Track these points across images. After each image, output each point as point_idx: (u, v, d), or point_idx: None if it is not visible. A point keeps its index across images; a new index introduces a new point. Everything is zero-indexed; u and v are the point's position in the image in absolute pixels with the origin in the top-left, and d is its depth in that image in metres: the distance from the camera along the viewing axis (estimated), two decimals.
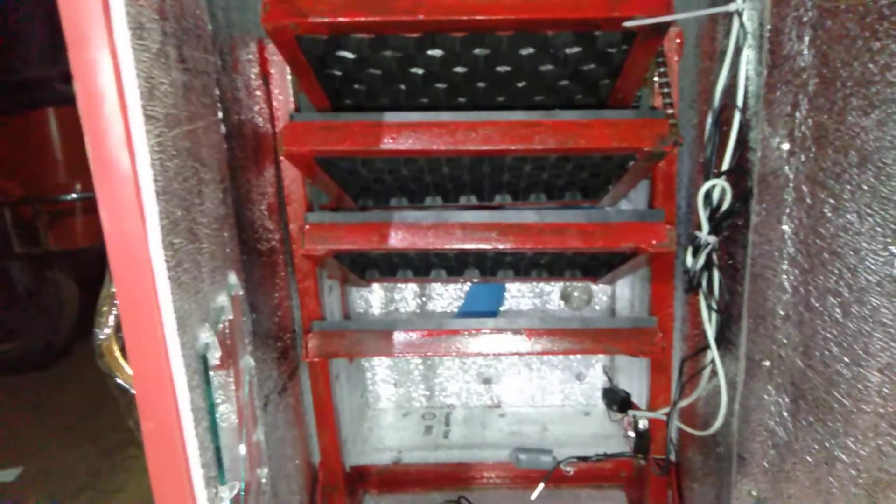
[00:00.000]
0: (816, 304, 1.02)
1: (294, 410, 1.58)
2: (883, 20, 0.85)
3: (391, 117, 1.27)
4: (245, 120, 1.30)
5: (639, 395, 1.81)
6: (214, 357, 0.86)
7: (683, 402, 1.45)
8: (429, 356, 1.78)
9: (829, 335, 1.00)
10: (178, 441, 0.75)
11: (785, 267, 1.07)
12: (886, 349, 0.91)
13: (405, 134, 1.26)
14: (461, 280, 1.96)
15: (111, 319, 0.80)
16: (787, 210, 1.05)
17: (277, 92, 1.42)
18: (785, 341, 1.09)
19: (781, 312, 1.09)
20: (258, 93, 1.38)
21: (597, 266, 1.75)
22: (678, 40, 1.36)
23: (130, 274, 0.74)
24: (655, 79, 1.34)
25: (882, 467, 0.94)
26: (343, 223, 1.34)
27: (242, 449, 1.10)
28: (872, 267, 0.92)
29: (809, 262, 1.02)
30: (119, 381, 0.79)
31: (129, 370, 0.80)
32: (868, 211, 0.91)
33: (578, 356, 2.37)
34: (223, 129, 1.11)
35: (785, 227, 1.06)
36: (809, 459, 1.06)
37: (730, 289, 1.27)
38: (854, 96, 0.90)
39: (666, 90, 1.31)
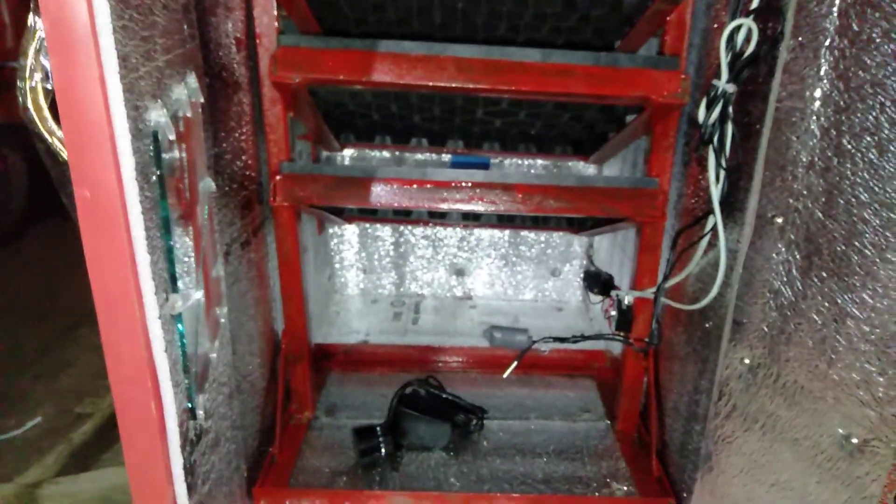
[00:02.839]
0: (849, 146, 0.92)
1: (257, 268, 1.46)
2: None
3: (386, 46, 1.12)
4: None
5: (619, 281, 1.74)
6: (169, 139, 0.73)
7: (675, 279, 1.38)
8: (410, 207, 1.66)
9: (858, 179, 0.91)
10: (118, 216, 0.62)
11: (816, 107, 0.96)
12: None
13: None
14: (444, 151, 1.82)
15: (39, 64, 0.65)
16: (828, 41, 0.94)
17: None
18: (805, 192, 1.00)
19: (805, 160, 0.99)
20: None
21: (590, 139, 1.63)
22: None
23: (62, 7, 0.59)
24: None
25: None
26: (322, 48, 1.18)
27: (199, 274, 0.98)
28: None
29: (847, 98, 0.92)
30: (50, 143, 0.66)
31: (59, 131, 0.66)
32: None
33: (556, 251, 2.29)
34: None
35: (822, 62, 0.95)
36: (817, 318, 0.99)
37: (742, 146, 1.16)
38: None
39: None
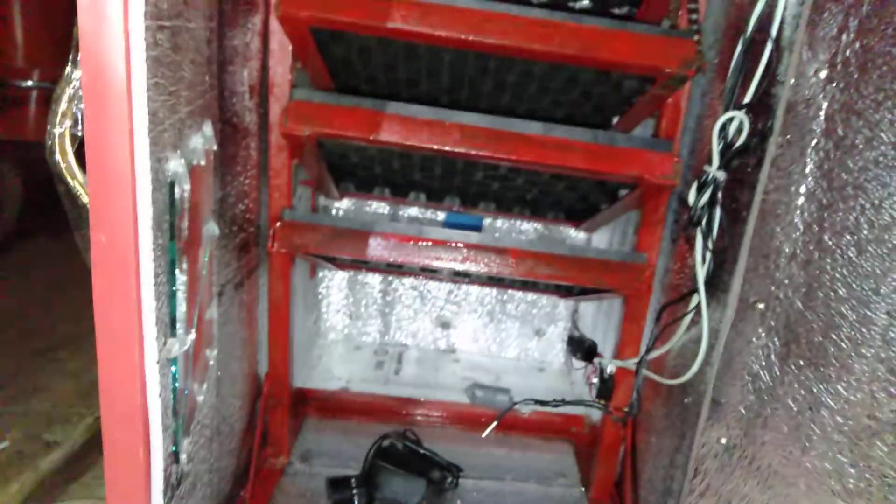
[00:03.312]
0: (829, 242, 0.97)
1: (248, 310, 1.47)
2: None
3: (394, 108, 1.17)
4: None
5: (602, 348, 1.77)
6: (184, 189, 0.76)
7: (657, 352, 1.40)
8: (405, 263, 1.69)
9: (837, 275, 0.95)
10: (131, 262, 0.64)
11: (800, 202, 1.02)
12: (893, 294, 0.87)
13: (420, 13, 1.15)
14: (440, 207, 1.87)
15: (71, 111, 0.68)
16: (814, 142, 1.00)
17: None
18: (787, 281, 1.04)
19: (788, 251, 1.04)
20: None
21: (583, 208, 1.68)
22: None
23: (101, 64, 0.62)
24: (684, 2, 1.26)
25: (872, 414, 0.91)
26: (333, 104, 1.23)
27: (195, 317, 0.99)
28: None
29: (829, 198, 0.97)
30: (71, 185, 0.68)
31: (81, 176, 0.68)
32: None
33: (541, 311, 2.32)
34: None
35: (808, 160, 1.01)
36: (793, 405, 1.02)
37: (728, 231, 1.21)
38: None
39: (694, 16, 1.24)
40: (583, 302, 2.15)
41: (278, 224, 1.33)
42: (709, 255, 1.22)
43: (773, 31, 1.11)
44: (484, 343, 2.42)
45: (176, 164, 0.76)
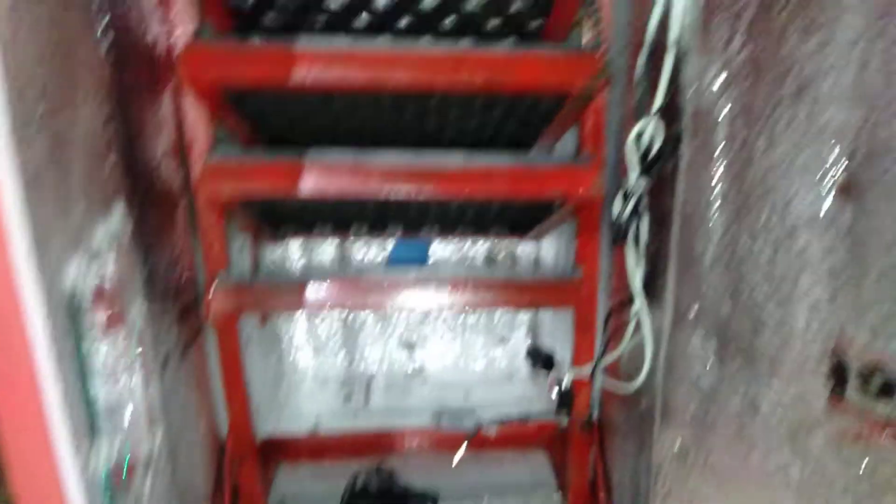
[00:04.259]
0: (745, 246, 0.98)
1: (197, 375, 1.45)
2: None
3: (309, 43, 1.15)
4: (138, 42, 1.15)
5: (563, 354, 1.78)
6: (88, 295, 0.74)
7: (607, 359, 1.42)
8: (347, 309, 1.68)
9: (756, 278, 0.97)
10: (30, 382, 0.63)
11: (715, 208, 1.03)
12: (813, 289, 0.89)
13: (324, 63, 1.15)
14: (384, 235, 1.86)
15: None
16: (719, 148, 1.01)
17: (179, 8, 1.26)
18: (713, 286, 1.06)
19: (711, 255, 1.05)
20: (156, 10, 1.23)
21: (524, 221, 1.69)
22: None
23: None
24: (587, 14, 1.27)
25: (805, 410, 0.92)
26: (250, 163, 1.21)
27: (129, 408, 0.97)
28: (803, 204, 0.89)
29: (740, 202, 0.99)
30: None
31: None
32: (804, 142, 0.87)
33: (502, 320, 2.33)
34: (103, 49, 0.97)
35: (716, 168, 1.02)
36: (733, 408, 1.04)
37: (657, 237, 1.23)
38: (792, 21, 0.86)
39: (598, 25, 1.25)
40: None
41: (212, 291, 1.31)
42: (642, 262, 1.24)
43: (672, 38, 1.12)
44: (450, 359, 2.42)
45: (78, 266, 0.74)
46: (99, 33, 0.97)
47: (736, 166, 0.99)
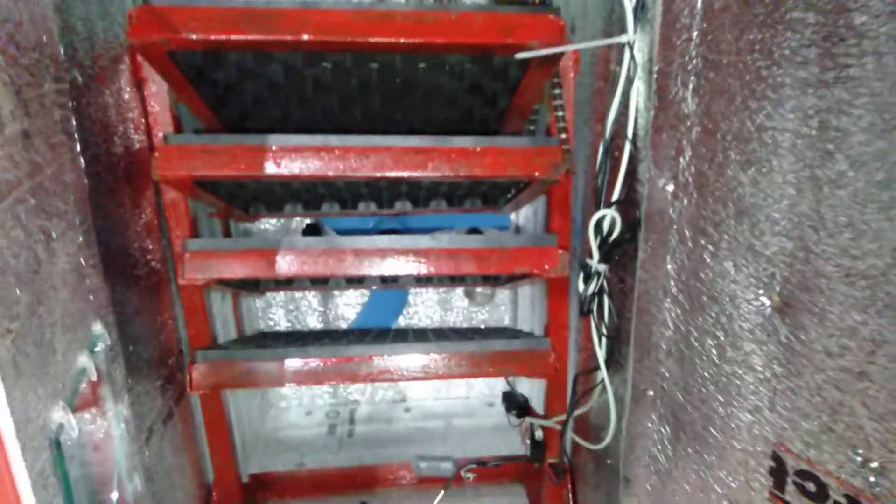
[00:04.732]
0: (696, 344, 1.05)
1: (183, 435, 1.50)
2: (761, 81, 0.86)
3: (277, 140, 1.20)
4: (115, 139, 1.19)
5: (538, 397, 1.85)
6: (71, 435, 0.79)
7: (576, 413, 1.49)
8: (325, 384, 1.73)
9: (706, 374, 1.04)
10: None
11: (668, 305, 1.09)
12: (756, 393, 0.95)
13: (292, 158, 1.20)
14: (356, 213, 1.89)
15: None
16: (671, 250, 1.07)
17: (154, 102, 1.29)
18: (667, 375, 1.12)
19: (664, 347, 1.12)
20: (132, 104, 1.26)
21: (495, 194, 1.73)
22: (574, 59, 1.34)
23: None
24: (552, 100, 1.32)
25: (751, 501, 1.00)
26: (226, 250, 1.26)
27: (114, 496, 1.03)
28: (746, 315, 0.95)
29: (690, 304, 1.05)
30: None
31: None
32: (743, 262, 0.93)
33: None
34: (82, 161, 1.01)
35: (669, 267, 1.08)
36: (687, 487, 1.11)
37: (619, 312, 1.29)
38: (733, 150, 0.92)
39: (560, 113, 1.30)
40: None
41: (193, 367, 1.36)
42: (604, 339, 1.30)
43: (629, 133, 1.18)
44: (432, 387, 2.49)
45: (63, 409, 0.79)
46: (77, 145, 1.01)
47: (686, 269, 1.05)
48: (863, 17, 0.74)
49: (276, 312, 2.24)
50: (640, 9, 1.13)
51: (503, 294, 2.22)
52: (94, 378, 0.92)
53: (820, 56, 0.78)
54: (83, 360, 0.91)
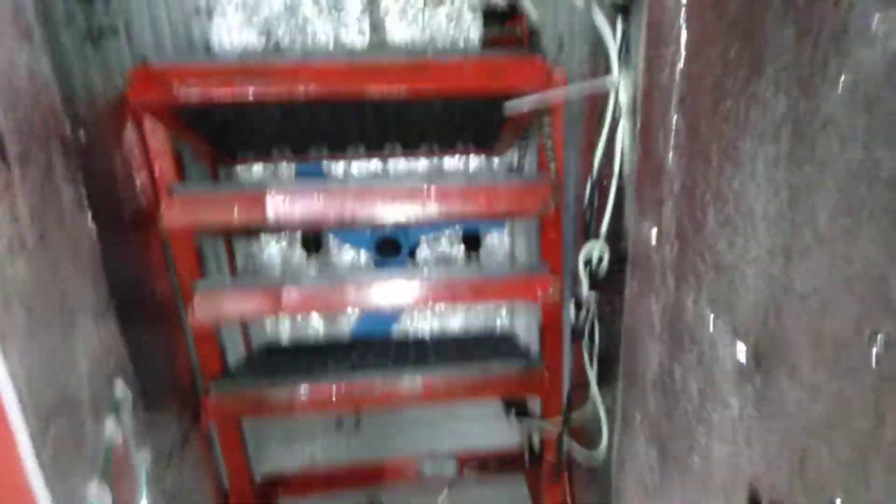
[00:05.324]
0: (679, 379, 1.11)
1: (199, 453, 1.59)
2: (735, 150, 0.90)
3: (278, 185, 1.24)
4: (120, 189, 1.24)
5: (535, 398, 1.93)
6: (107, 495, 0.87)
7: (571, 421, 1.57)
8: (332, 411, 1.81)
9: (688, 408, 1.10)
10: None
11: (653, 342, 1.16)
12: (733, 430, 1.02)
13: (292, 201, 1.24)
14: (345, 157, 1.92)
15: None
16: (656, 292, 1.13)
17: (155, 148, 1.33)
18: (652, 403, 1.19)
19: (650, 378, 1.18)
20: (134, 151, 1.30)
21: (486, 134, 1.75)
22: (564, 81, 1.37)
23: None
24: (541, 129, 1.36)
25: None
26: (234, 291, 1.32)
27: None
28: (724, 359, 1.01)
29: (673, 343, 1.11)
30: None
31: None
32: (721, 311, 0.99)
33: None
34: (94, 229, 1.06)
35: (654, 307, 1.14)
36: None
37: (609, 335, 1.35)
38: (711, 208, 0.96)
39: (549, 146, 1.33)
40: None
41: (208, 400, 1.43)
42: (595, 362, 1.37)
43: (616, 170, 1.22)
44: None
45: (93, 492, 0.87)
46: (89, 213, 1.06)
47: (670, 311, 1.11)
48: (829, 104, 0.78)
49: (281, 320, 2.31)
50: (625, 51, 1.16)
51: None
52: (120, 443, 0.99)
53: (790, 135, 0.82)
54: (110, 426, 0.98)
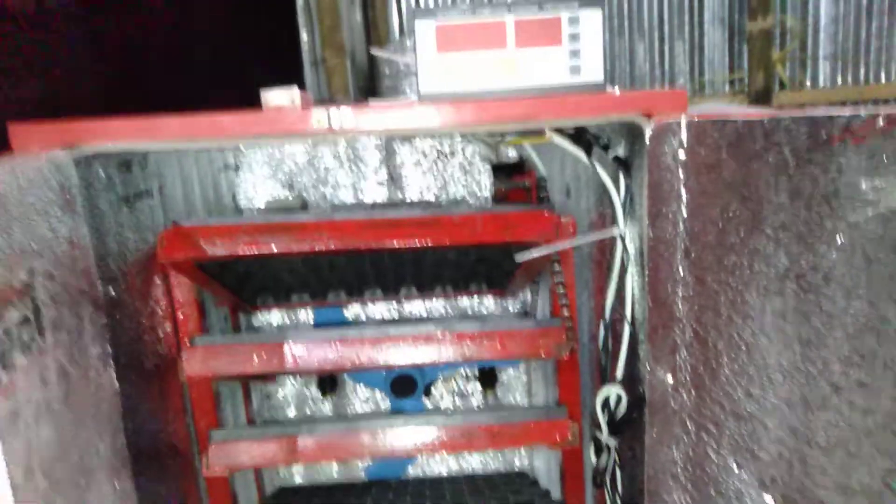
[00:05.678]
0: None
1: None
2: (743, 303, 0.93)
3: (296, 335, 1.27)
4: (144, 340, 1.27)
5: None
6: None
7: None
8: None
9: None
10: None
11: (678, 493, 1.12)
12: None
13: (309, 351, 1.27)
14: (362, 300, 1.92)
15: None
16: (676, 440, 1.11)
17: (179, 299, 1.38)
18: None
19: None
20: (159, 302, 1.35)
21: (499, 275, 1.77)
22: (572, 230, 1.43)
23: None
24: (553, 275, 1.40)
25: None
26: (249, 440, 1.31)
27: None
28: None
29: (698, 493, 1.08)
30: None
31: None
32: (744, 461, 0.97)
33: None
34: (116, 383, 1.08)
35: (675, 455, 1.12)
36: None
37: (632, 481, 1.31)
38: (725, 358, 0.98)
39: (561, 290, 1.37)
40: None
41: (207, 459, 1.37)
42: None
43: (627, 315, 1.24)
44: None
45: None
46: (111, 365, 1.08)
47: (692, 460, 1.09)
48: (828, 261, 0.81)
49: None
50: (630, 202, 1.22)
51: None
52: None
53: (795, 288, 0.85)
54: None
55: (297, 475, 2.22)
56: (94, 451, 0.93)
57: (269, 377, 1.87)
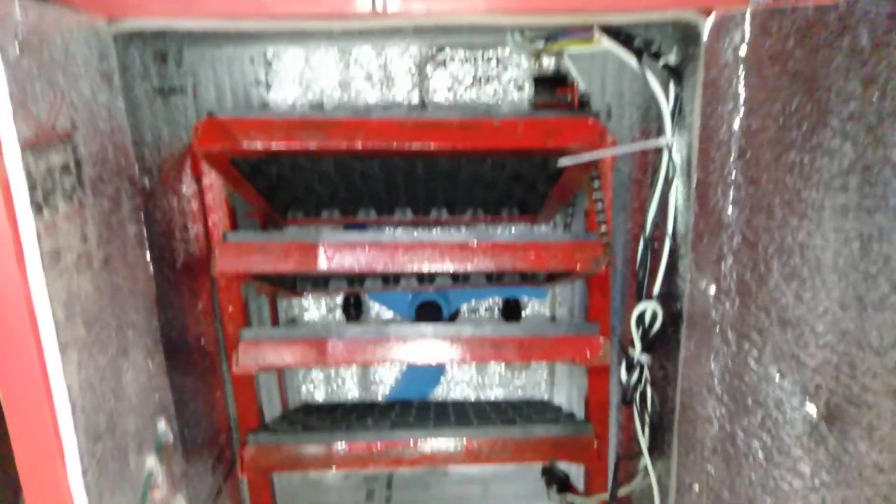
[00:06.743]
0: (741, 445, 1.06)
1: None
2: (800, 202, 0.89)
3: (329, 237, 1.25)
4: (176, 235, 1.26)
5: (578, 471, 1.85)
6: None
7: (619, 495, 1.49)
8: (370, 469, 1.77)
9: (752, 476, 1.04)
10: None
11: (712, 403, 1.11)
12: (805, 499, 0.96)
13: (342, 253, 1.25)
14: (391, 221, 1.90)
15: None
16: (714, 351, 1.09)
17: (212, 197, 1.36)
18: (713, 472, 1.13)
19: (709, 444, 1.13)
20: (191, 199, 1.34)
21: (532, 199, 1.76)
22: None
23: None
24: (591, 191, 1.36)
25: None
26: (279, 340, 1.31)
27: None
28: (792, 421, 0.96)
29: (735, 405, 1.06)
30: None
31: None
32: (788, 370, 0.95)
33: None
34: (151, 268, 1.07)
35: (712, 366, 1.10)
36: None
37: (662, 401, 1.30)
38: (775, 261, 0.94)
39: (600, 206, 1.34)
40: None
41: (244, 454, 1.40)
42: (647, 428, 1.32)
43: (669, 230, 1.21)
44: None
45: None
46: (147, 253, 1.08)
47: (730, 371, 1.07)
48: None
49: (316, 376, 2.28)
50: (678, 112, 1.18)
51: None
52: (160, 480, 0.97)
53: (859, 185, 0.81)
54: (151, 461, 0.95)
55: (318, 395, 2.25)
56: (130, 323, 0.93)
57: (297, 291, 1.87)
